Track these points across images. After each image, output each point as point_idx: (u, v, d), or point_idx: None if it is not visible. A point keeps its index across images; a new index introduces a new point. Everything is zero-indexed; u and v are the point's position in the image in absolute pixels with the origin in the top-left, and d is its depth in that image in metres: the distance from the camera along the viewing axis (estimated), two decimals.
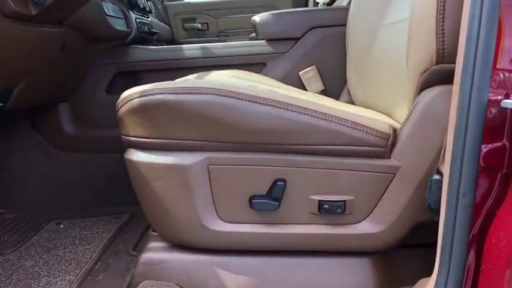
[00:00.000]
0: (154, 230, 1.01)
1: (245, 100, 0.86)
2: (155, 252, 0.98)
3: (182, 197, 0.91)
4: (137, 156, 0.92)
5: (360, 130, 0.87)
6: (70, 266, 1.21)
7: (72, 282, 1.12)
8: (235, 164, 0.90)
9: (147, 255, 0.97)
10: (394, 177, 0.89)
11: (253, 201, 0.91)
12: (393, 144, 0.89)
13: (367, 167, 0.88)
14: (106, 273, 1.15)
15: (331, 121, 0.87)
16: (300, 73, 1.58)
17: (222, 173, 0.90)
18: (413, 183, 0.88)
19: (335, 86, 1.58)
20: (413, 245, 0.97)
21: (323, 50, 1.58)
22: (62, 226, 1.51)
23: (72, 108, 1.62)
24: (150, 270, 0.96)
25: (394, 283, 0.95)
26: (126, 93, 0.90)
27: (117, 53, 1.63)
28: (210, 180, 0.91)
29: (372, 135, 0.87)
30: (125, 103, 0.89)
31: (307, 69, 1.58)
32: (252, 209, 0.91)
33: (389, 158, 0.88)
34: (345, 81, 1.54)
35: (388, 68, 1.05)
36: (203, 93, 0.86)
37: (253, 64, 1.63)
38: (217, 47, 1.65)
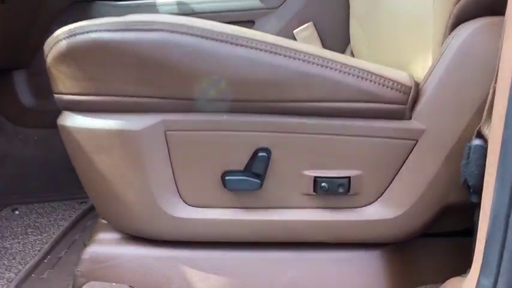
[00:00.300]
0: (103, 218, 0.79)
1: (216, 40, 0.63)
2: (103, 246, 0.76)
3: (133, 174, 0.69)
4: (72, 120, 0.69)
5: (370, 80, 0.64)
6: (14, 261, 1.00)
7: (10, 281, 0.91)
8: (202, 128, 0.67)
9: (92, 250, 0.75)
10: (415, 144, 0.66)
11: (227, 178, 0.68)
12: (415, 101, 0.66)
13: (379, 132, 0.66)
14: (53, 270, 0.94)
15: (334, 69, 0.64)
16: (294, 31, 1.35)
17: (184, 141, 0.68)
18: (441, 152, 0.66)
19: (336, 45, 1.35)
20: (437, 233, 0.75)
21: (321, 4, 1.34)
22: (17, 212, 1.30)
23: (29, 77, 1.39)
24: (97, 269, 0.74)
25: (412, 283, 0.73)
26: (52, 36, 0.67)
27: (79, 10, 1.39)
28: (169, 152, 0.68)
29: (388, 87, 0.64)
30: (51, 48, 0.66)
31: (303, 26, 1.36)
32: (226, 189, 0.69)
33: (410, 118, 0.66)
34: (348, 41, 1.31)
35: (401, 15, 0.81)
36: (154, 30, 0.62)
37: (239, 22, 1.39)
38: (197, 2, 1.41)
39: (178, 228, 0.72)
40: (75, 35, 0.63)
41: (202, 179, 0.70)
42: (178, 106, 0.66)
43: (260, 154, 0.67)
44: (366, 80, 0.64)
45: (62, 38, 0.64)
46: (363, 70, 0.64)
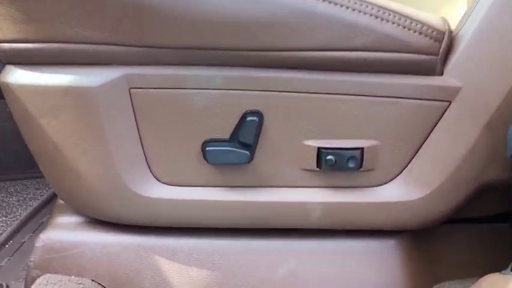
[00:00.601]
0: (60, 198, 0.65)
1: None
2: (60, 231, 0.63)
3: (90, 143, 0.55)
4: (15, 76, 0.54)
5: (392, 22, 0.50)
6: None
7: None
8: (177, 86, 0.53)
9: (47, 236, 0.62)
10: (448, 107, 0.52)
11: (209, 149, 0.54)
12: (448, 51, 0.51)
13: (402, 90, 0.52)
14: (13, 258, 0.81)
15: (345, 6, 0.49)
16: None
17: (154, 102, 0.53)
18: (481, 117, 0.52)
19: None
20: (468, 219, 0.62)
21: None
22: None
23: None
24: (53, 259, 0.61)
25: (435, 278, 0.60)
26: None
27: None
28: (135, 115, 0.54)
29: (415, 31, 0.50)
30: None
31: None
32: (207, 164, 0.55)
33: (442, 74, 0.52)
34: None
35: None
36: None
37: None
38: None
39: (150, 211, 0.58)
40: None
41: (178, 150, 0.56)
42: (145, 56, 0.52)
43: (249, 119, 0.53)
44: (387, 21, 0.49)
45: None
46: (383, 8, 0.50)
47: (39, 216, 0.99)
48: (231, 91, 0.53)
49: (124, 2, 0.48)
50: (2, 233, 0.91)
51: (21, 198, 1.10)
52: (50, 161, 0.59)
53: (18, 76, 0.54)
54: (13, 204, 1.06)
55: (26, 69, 0.54)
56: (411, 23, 0.50)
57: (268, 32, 0.49)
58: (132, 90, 0.53)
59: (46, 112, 0.54)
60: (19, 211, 1.02)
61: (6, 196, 1.12)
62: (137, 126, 0.54)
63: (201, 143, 0.55)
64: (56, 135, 0.55)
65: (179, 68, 0.52)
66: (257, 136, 0.54)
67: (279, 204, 0.57)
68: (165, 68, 0.52)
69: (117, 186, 0.57)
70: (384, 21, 0.49)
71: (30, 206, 1.04)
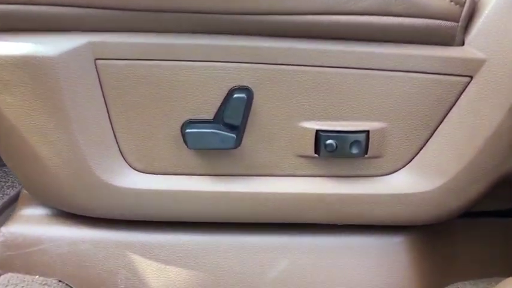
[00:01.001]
0: (23, 187, 0.58)
1: None
2: (24, 225, 0.55)
3: (51, 124, 0.47)
4: None
5: None
6: None
7: None
8: (151, 56, 0.45)
9: (9, 231, 0.55)
10: (468, 83, 0.45)
11: (189, 131, 0.47)
12: (470, 18, 0.44)
13: (415, 63, 0.44)
14: None
15: None
16: None
17: (124, 76, 0.46)
18: (507, 96, 0.44)
19: None
20: (486, 212, 0.55)
21: None
22: None
23: None
24: (15, 256, 0.54)
25: (449, 278, 0.54)
26: None
27: None
28: (102, 92, 0.46)
29: None
30: None
31: None
32: (188, 149, 0.48)
33: (463, 44, 0.44)
34: None
35: None
36: None
37: None
38: None
39: (124, 203, 0.51)
40: None
41: (154, 133, 0.48)
42: (114, 21, 0.44)
43: (236, 96, 0.45)
44: None
45: None
46: None
47: (13, 207, 0.92)
48: (215, 63, 0.45)
49: None
50: None
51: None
52: (8, 145, 0.51)
53: None
54: None
55: None
56: None
57: None
58: (98, 61, 0.45)
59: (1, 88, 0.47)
60: None
61: None
62: (106, 104, 0.47)
63: (180, 125, 0.47)
64: (11, 114, 0.47)
65: (154, 35, 0.44)
66: (245, 117, 0.46)
67: (272, 196, 0.49)
68: (137, 35, 0.44)
69: (84, 174, 0.49)
70: None
71: (6, 194, 0.97)
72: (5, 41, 0.45)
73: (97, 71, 0.45)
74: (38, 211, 0.56)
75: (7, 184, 1.04)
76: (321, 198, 0.49)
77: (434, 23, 0.43)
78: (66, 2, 0.43)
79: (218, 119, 0.47)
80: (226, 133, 0.46)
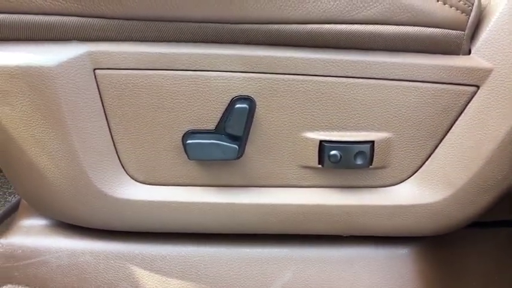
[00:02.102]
0: (21, 197, 0.57)
1: None
2: (23, 236, 0.54)
3: (50, 135, 0.46)
4: None
5: None
6: None
7: None
8: (151, 66, 0.44)
9: (8, 242, 0.54)
10: (475, 93, 0.44)
11: (190, 142, 0.46)
12: (477, 26, 0.43)
13: (421, 72, 0.43)
14: None
15: None
16: None
17: (124, 86, 0.45)
18: None
19: None
20: (495, 222, 0.54)
21: None
22: None
23: None
24: (14, 268, 0.53)
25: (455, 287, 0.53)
26: None
27: None
28: (102, 102, 0.45)
29: (438, 1, 0.41)
30: None
31: None
32: (189, 159, 0.47)
33: (469, 53, 0.43)
34: None
35: None
36: None
37: None
38: None
39: (124, 215, 0.50)
40: None
41: (155, 143, 0.47)
42: (113, 30, 0.43)
43: (239, 106, 0.45)
44: None
45: None
46: None
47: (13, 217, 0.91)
48: (216, 73, 0.44)
49: None
50: None
51: (1, 193, 1.02)
52: (7, 155, 0.50)
53: None
54: None
55: None
56: None
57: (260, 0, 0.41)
58: (97, 71, 0.44)
59: None
60: None
61: None
62: (105, 114, 0.46)
63: (181, 135, 0.46)
64: (10, 125, 0.46)
65: (154, 44, 0.44)
66: (248, 127, 0.45)
67: (275, 207, 0.48)
68: (137, 44, 0.43)
69: (84, 185, 0.48)
70: None
71: (8, 201, 0.96)
72: (3, 51, 0.44)
73: (96, 81, 0.45)
74: (37, 222, 0.56)
75: (9, 191, 1.03)
76: (325, 209, 0.48)
77: (440, 32, 0.42)
78: (65, 11, 0.42)
79: (220, 130, 0.46)
80: (228, 144, 0.45)
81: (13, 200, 0.98)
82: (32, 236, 0.55)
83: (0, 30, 0.43)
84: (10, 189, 1.05)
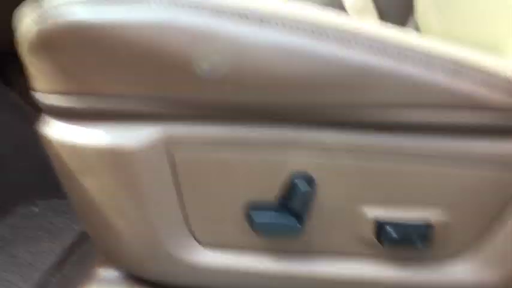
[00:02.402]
0: (100, 251, 0.63)
1: (234, 19, 0.42)
2: (101, 285, 0.60)
3: (128, 203, 0.51)
4: (51, 128, 0.52)
5: (468, 78, 0.42)
6: (12, 278, 0.86)
7: None
8: (223, 145, 0.48)
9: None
10: None
11: (252, 213, 0.49)
12: None
13: (478, 154, 0.44)
14: None
15: (415, 60, 0.42)
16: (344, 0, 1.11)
17: (195, 160, 0.49)
18: None
19: (395, 16, 1.10)
20: None
21: None
22: (37, 210, 1.17)
23: None
24: None
25: None
26: (19, 14, 0.49)
27: None
28: (175, 176, 0.50)
29: (488, 86, 0.42)
30: (17, 32, 0.48)
31: None
32: (252, 230, 0.50)
33: None
34: (409, 9, 1.05)
35: None
36: (148, 10, 0.43)
37: None
38: None
39: (191, 275, 0.54)
40: (45, 18, 0.44)
41: (221, 212, 0.51)
42: (185, 115, 0.47)
43: (298, 183, 0.47)
44: (456, 73, 0.42)
45: (29, 21, 0.46)
46: (453, 61, 0.42)
47: (88, 244, 0.97)
48: (277, 149, 0.47)
49: (166, 61, 0.44)
50: (47, 262, 0.90)
51: (67, 219, 1.08)
52: (89, 216, 0.56)
53: (54, 129, 0.52)
54: (59, 226, 1.05)
55: (60, 122, 0.51)
56: (484, 76, 0.42)
57: (319, 90, 0.43)
58: (172, 149, 0.49)
59: (83, 169, 0.52)
60: (64, 235, 1.01)
61: (53, 216, 1.11)
62: (177, 186, 0.50)
63: (245, 205, 0.50)
64: (94, 193, 0.52)
65: (222, 125, 0.47)
66: (307, 203, 0.48)
67: (335, 277, 0.51)
68: (207, 125, 0.48)
69: (154, 247, 0.53)
70: (460, 77, 0.42)
71: (76, 230, 1.03)
72: (90, 129, 0.49)
73: (171, 158, 0.49)
74: (114, 273, 0.61)
75: (74, 217, 1.09)
76: (382, 282, 0.50)
77: (497, 117, 0.43)
78: (146, 96, 0.47)
79: (283, 203, 0.49)
80: (288, 220, 0.48)
81: (79, 227, 1.04)
82: (108, 285, 0.60)
83: (89, 111, 0.48)
84: (75, 215, 1.12)
